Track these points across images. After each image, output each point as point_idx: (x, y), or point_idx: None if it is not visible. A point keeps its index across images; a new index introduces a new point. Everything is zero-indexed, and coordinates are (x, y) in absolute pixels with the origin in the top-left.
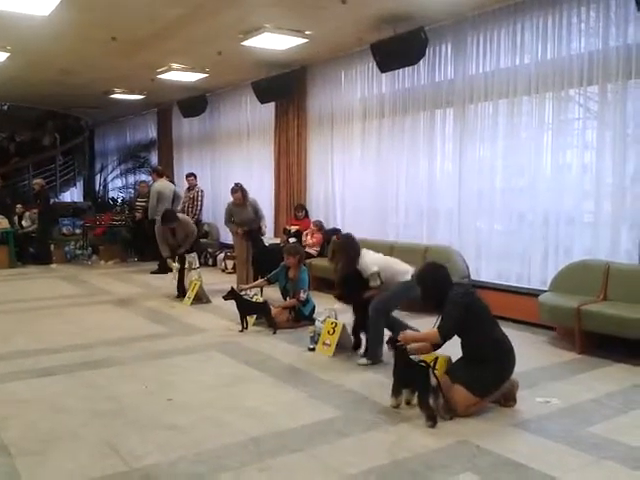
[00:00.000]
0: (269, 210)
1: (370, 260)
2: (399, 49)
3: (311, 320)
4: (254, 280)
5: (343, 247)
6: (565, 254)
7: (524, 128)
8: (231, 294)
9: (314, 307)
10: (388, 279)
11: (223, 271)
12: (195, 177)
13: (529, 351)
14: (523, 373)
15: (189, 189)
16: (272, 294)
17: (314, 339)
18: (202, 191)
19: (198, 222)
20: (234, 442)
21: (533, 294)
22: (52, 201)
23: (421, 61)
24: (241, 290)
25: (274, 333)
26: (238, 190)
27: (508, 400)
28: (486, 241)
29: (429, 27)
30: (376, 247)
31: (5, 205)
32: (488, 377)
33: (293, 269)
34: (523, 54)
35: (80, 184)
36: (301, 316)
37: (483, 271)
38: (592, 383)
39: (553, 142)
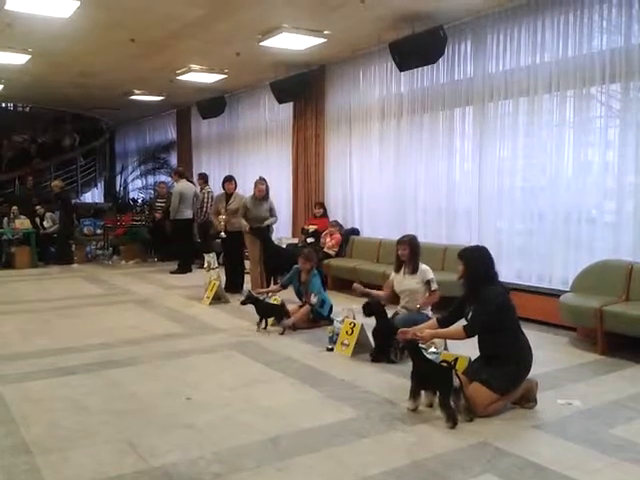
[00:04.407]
0: (287, 210)
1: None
2: (418, 48)
3: (329, 320)
4: (267, 279)
5: (416, 245)
6: (587, 254)
7: (545, 126)
8: (249, 299)
9: (332, 307)
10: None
11: None
12: (204, 179)
13: (550, 352)
14: (544, 374)
15: (201, 190)
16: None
17: (332, 339)
18: (209, 192)
19: (208, 223)
20: (252, 442)
21: (554, 294)
22: (73, 202)
23: (440, 59)
24: (258, 294)
25: (281, 334)
26: (264, 182)
27: (528, 401)
28: (506, 241)
29: (448, 25)
30: (394, 247)
31: (30, 205)
32: (507, 375)
33: (305, 273)
34: (544, 52)
35: (101, 185)
36: (319, 316)
37: (503, 271)
38: (614, 384)
39: (574, 140)
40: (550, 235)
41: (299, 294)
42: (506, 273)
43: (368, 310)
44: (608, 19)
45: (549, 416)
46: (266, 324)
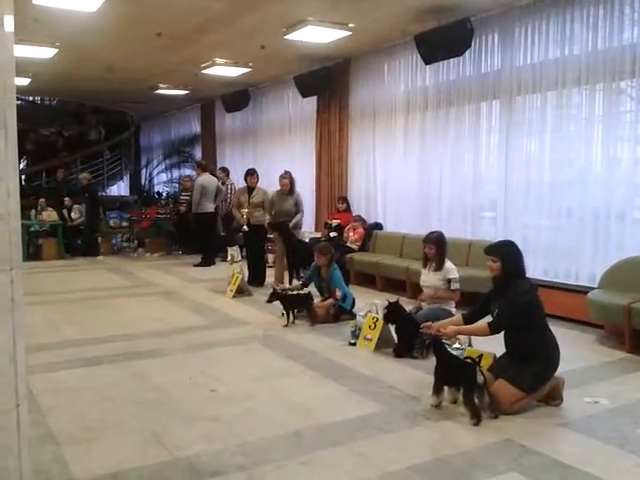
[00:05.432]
0: (310, 204)
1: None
2: (444, 40)
3: (352, 315)
4: (290, 273)
5: (443, 244)
6: (615, 250)
7: (573, 121)
8: (274, 295)
9: (354, 301)
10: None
11: None
12: (225, 172)
13: (577, 350)
14: (571, 372)
15: (222, 183)
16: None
17: (355, 333)
18: (233, 184)
19: (231, 216)
20: (276, 435)
21: (581, 291)
22: (99, 195)
23: (467, 52)
24: (283, 290)
25: (311, 326)
26: (287, 177)
27: (554, 399)
28: (533, 236)
29: (475, 17)
30: (418, 242)
31: (59, 198)
32: (534, 373)
33: (324, 268)
34: (572, 44)
35: (127, 178)
36: (342, 311)
37: (530, 267)
38: None
39: (603, 135)
40: (578, 231)
41: (320, 290)
42: (533, 269)
43: (392, 317)
44: (639, 11)
45: (575, 414)
46: (294, 317)
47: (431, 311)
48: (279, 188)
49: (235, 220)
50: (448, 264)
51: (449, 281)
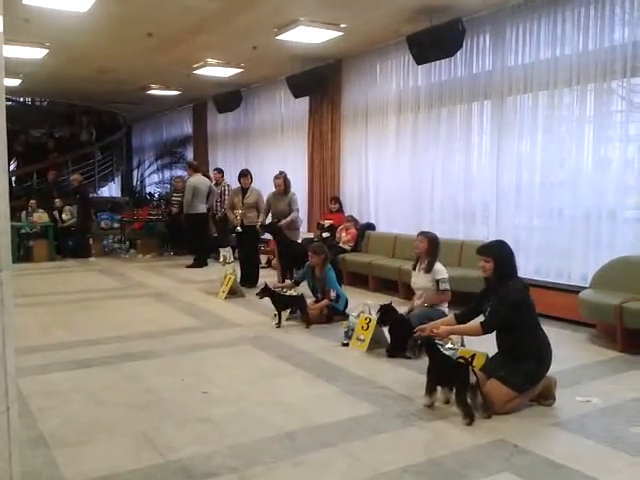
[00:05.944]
0: (303, 205)
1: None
2: (436, 41)
3: (345, 315)
4: (282, 274)
5: (436, 244)
6: (606, 250)
7: (564, 121)
8: (265, 291)
9: (347, 301)
10: (434, 299)
11: None
12: (221, 173)
13: (569, 349)
14: (563, 371)
15: (216, 184)
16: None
17: (348, 334)
18: (229, 185)
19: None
20: (268, 436)
21: (573, 291)
22: (91, 196)
23: (458, 52)
24: (275, 288)
25: (307, 327)
26: (281, 177)
27: (547, 398)
28: (524, 236)
29: (467, 18)
30: (410, 242)
31: (50, 199)
32: (526, 372)
33: (318, 268)
34: (564, 45)
35: (118, 179)
36: (335, 311)
37: (521, 267)
38: (634, 382)
39: (594, 135)
40: (569, 231)
41: (314, 290)
42: (524, 269)
43: (385, 319)
44: (630, 12)
45: (568, 414)
46: (280, 318)
47: (424, 312)
48: (274, 189)
49: (230, 221)
50: (437, 265)
51: (438, 282)
